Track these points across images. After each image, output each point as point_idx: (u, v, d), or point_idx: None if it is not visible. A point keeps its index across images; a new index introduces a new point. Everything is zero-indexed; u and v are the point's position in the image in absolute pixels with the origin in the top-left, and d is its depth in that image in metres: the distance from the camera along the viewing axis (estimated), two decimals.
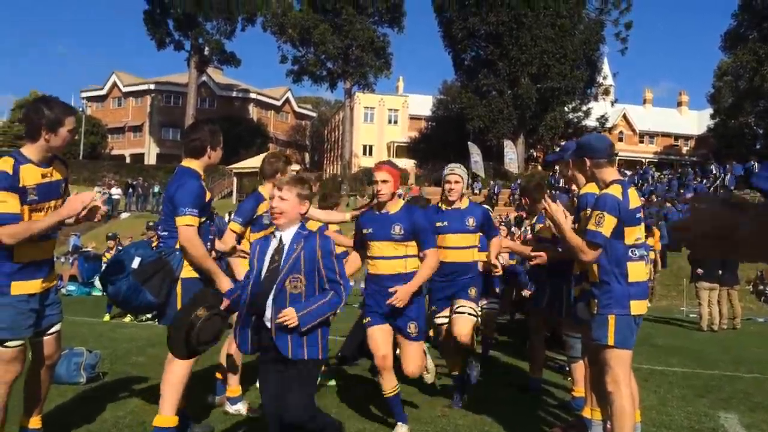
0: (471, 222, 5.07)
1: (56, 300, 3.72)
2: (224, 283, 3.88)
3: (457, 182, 5.08)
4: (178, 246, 3.83)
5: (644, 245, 3.77)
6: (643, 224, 3.75)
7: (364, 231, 4.53)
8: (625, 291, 3.60)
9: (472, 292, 5.04)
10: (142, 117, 57.75)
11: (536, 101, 40.94)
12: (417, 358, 4.59)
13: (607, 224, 3.54)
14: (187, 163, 4.01)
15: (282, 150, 56.88)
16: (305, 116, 68.54)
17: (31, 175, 3.39)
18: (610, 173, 3.79)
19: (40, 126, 3.38)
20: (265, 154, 5.64)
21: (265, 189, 4.95)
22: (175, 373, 3.81)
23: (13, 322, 3.37)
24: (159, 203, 32.32)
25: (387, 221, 4.44)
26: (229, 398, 4.85)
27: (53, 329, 3.68)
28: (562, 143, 42.50)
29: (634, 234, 3.64)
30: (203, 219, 3.89)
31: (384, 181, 4.44)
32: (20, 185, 3.33)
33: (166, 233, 3.89)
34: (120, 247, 14.17)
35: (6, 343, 3.39)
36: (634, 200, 3.67)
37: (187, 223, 3.76)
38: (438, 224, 5.01)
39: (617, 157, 54.63)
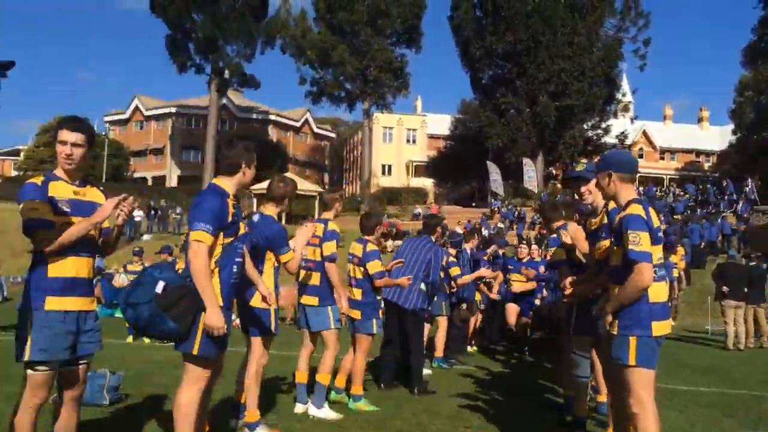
0: None
1: (96, 327, 3.59)
2: (213, 313, 3.49)
3: None
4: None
5: (668, 263, 3.75)
6: (662, 244, 3.72)
7: None
8: (646, 312, 3.54)
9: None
10: (163, 140, 58.49)
11: (555, 119, 40.87)
12: None
13: (645, 241, 3.49)
14: (219, 180, 3.83)
15: (301, 170, 57.24)
16: (324, 137, 68.98)
17: (61, 189, 3.45)
18: (630, 191, 3.77)
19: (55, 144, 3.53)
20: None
21: (268, 210, 4.98)
22: (185, 404, 3.59)
23: (47, 343, 3.29)
24: (181, 224, 32.55)
25: None
26: (247, 424, 4.77)
27: (87, 359, 3.56)
28: (582, 160, 42.39)
29: (657, 253, 3.61)
30: (229, 239, 3.68)
31: None
32: (49, 195, 3.38)
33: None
34: (146, 265, 14.20)
35: (37, 367, 3.30)
36: (655, 219, 3.64)
37: (198, 239, 3.50)
38: None
39: (637, 175, 54.33)
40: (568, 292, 4.66)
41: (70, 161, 3.48)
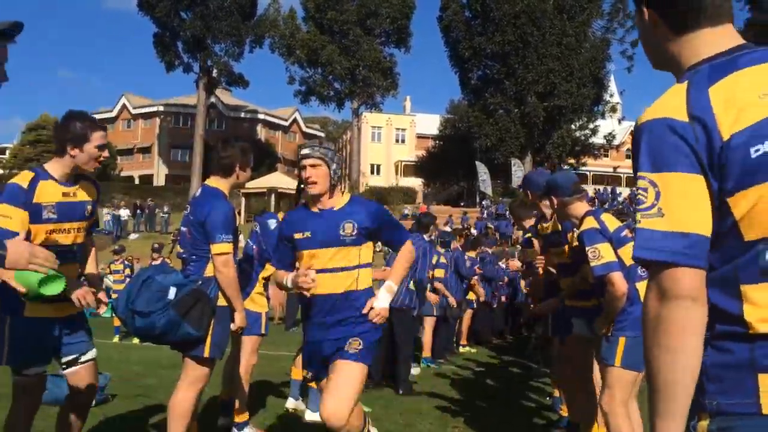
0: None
1: (84, 327, 3.46)
2: (242, 316, 3.70)
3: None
4: (208, 273, 3.59)
5: None
6: (632, 242, 3.74)
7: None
8: (638, 312, 3.54)
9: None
10: (151, 138, 58.16)
11: (543, 119, 41.03)
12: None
13: (605, 252, 3.54)
14: (213, 182, 3.77)
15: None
16: (313, 136, 68.74)
17: (49, 193, 3.21)
18: (580, 208, 3.87)
19: (66, 141, 3.24)
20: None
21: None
22: (182, 404, 3.55)
23: (25, 349, 3.20)
24: (167, 224, 32.38)
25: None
26: (235, 424, 4.74)
27: (86, 357, 3.43)
28: (570, 161, 42.61)
29: (628, 253, 3.62)
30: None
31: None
32: (34, 201, 3.14)
33: (194, 257, 3.65)
34: (127, 263, 14.01)
35: (24, 371, 3.23)
36: (611, 223, 3.72)
37: (223, 251, 3.51)
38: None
39: (624, 175, 54.58)
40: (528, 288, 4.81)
41: (100, 164, 3.41)
